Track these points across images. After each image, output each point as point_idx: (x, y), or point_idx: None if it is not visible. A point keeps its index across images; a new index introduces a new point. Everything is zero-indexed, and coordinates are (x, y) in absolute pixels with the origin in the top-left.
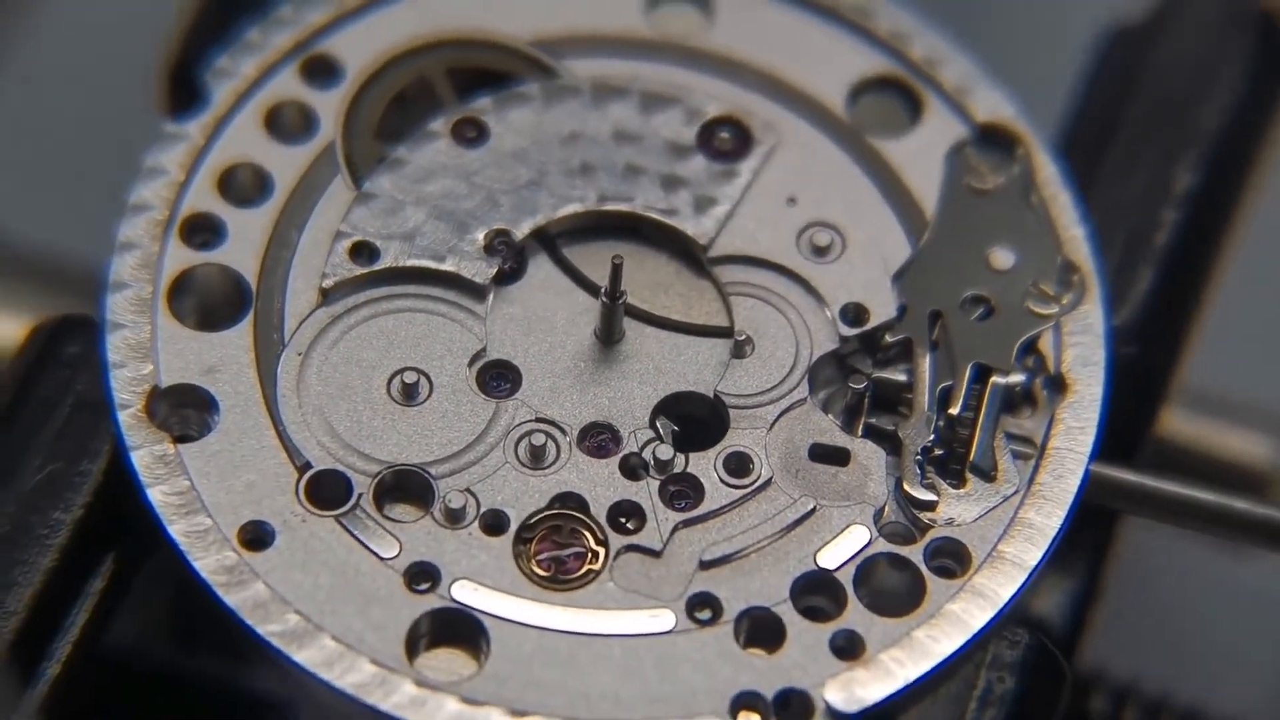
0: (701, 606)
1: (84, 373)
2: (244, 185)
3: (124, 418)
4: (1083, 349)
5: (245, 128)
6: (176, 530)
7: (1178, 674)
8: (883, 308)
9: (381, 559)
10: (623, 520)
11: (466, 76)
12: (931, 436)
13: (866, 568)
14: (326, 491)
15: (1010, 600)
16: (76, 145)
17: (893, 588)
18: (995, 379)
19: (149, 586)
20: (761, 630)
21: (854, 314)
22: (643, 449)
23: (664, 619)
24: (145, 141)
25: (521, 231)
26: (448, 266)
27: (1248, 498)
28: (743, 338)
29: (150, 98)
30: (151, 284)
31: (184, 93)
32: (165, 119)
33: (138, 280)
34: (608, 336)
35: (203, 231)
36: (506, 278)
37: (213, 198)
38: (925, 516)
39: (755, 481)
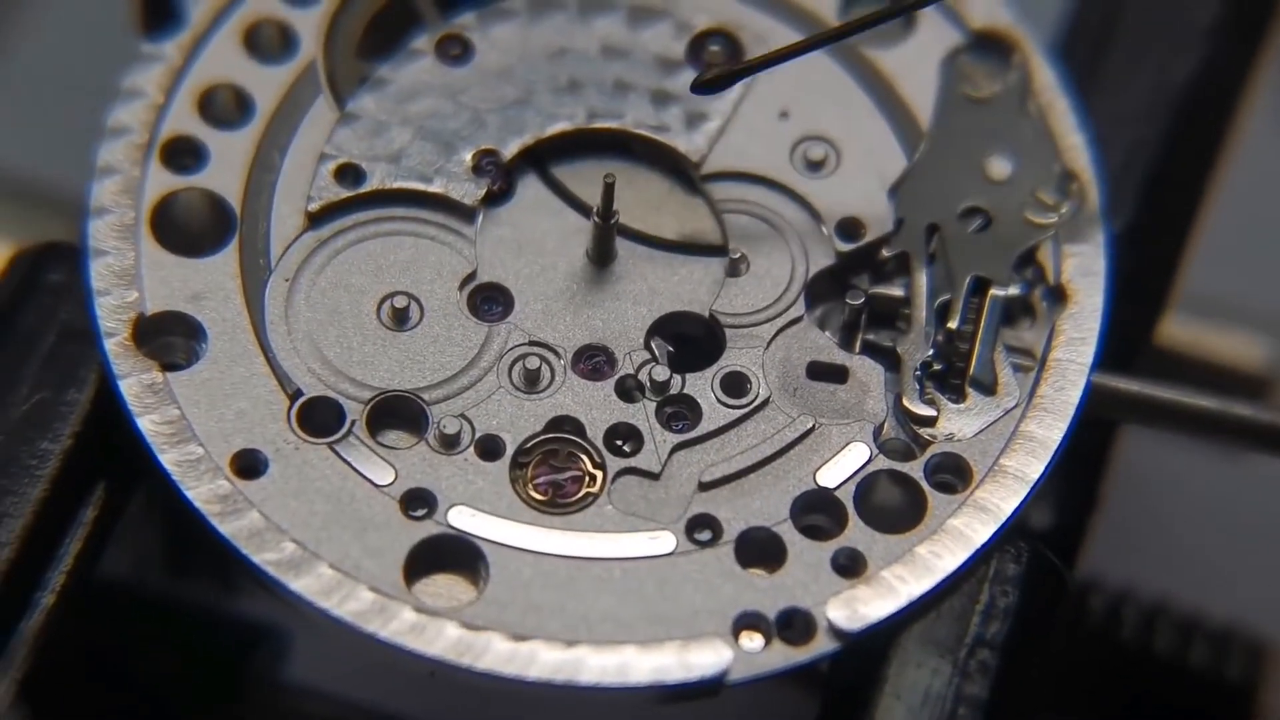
0: (701, 527)
1: (68, 300)
2: (224, 106)
3: (110, 346)
4: (1082, 258)
5: (224, 47)
6: (168, 460)
7: (1176, 580)
8: (879, 222)
9: (377, 485)
10: (620, 443)
11: None
12: (930, 351)
13: (867, 485)
14: (319, 418)
15: (1013, 514)
16: (57, 68)
17: (894, 504)
18: (994, 291)
19: (142, 516)
20: (762, 550)
21: (850, 229)
22: (638, 370)
23: (664, 541)
24: (124, 63)
25: (510, 151)
26: (435, 188)
27: (1247, 402)
28: (737, 255)
29: (130, 19)
30: (134, 209)
31: (160, 11)
32: (142, 39)
33: (119, 205)
34: (600, 257)
35: (184, 155)
36: (495, 199)
37: (193, 120)
38: (925, 432)
39: (753, 401)
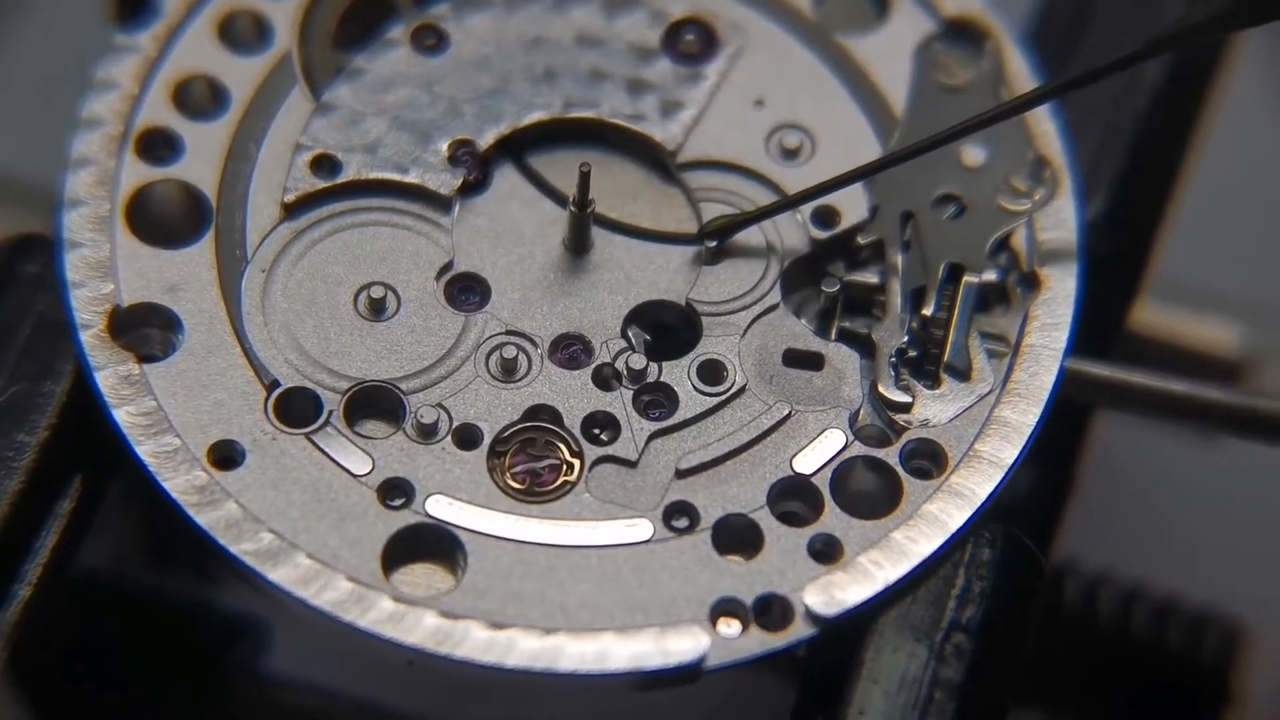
0: (678, 515)
1: (44, 292)
2: (199, 98)
3: (86, 338)
4: (1055, 245)
5: (198, 38)
6: (145, 451)
7: (1151, 564)
8: (854, 209)
9: (354, 475)
10: (597, 431)
11: None
12: (905, 338)
13: (843, 471)
14: (296, 409)
15: (988, 499)
16: (31, 59)
17: (870, 490)
18: (968, 277)
19: (120, 508)
20: (739, 536)
21: (825, 217)
22: (615, 359)
23: (641, 528)
24: (99, 55)
25: (485, 141)
26: (411, 178)
27: (1220, 386)
28: (713, 244)
29: (104, 10)
30: (109, 201)
31: (134, 2)
32: (116, 30)
33: (94, 197)
34: (577, 246)
35: (159, 146)
36: (472, 189)
37: (168, 111)
38: (901, 418)
39: (729, 389)
